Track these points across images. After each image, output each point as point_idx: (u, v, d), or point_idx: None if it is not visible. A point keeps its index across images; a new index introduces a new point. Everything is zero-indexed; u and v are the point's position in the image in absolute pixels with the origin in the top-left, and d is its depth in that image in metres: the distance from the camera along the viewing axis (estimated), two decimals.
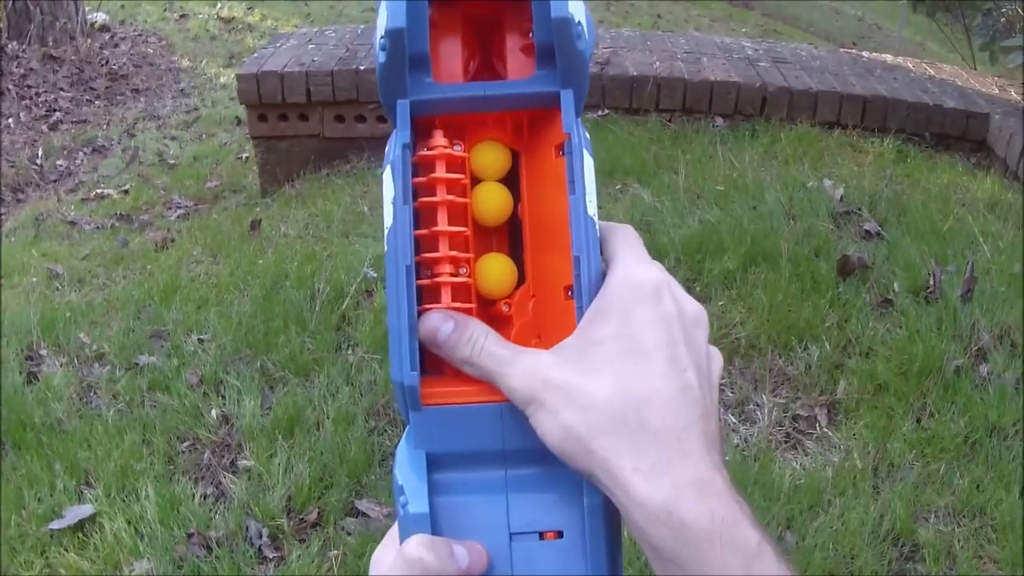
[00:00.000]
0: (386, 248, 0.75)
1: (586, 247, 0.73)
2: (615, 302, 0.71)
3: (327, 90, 6.12)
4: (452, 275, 0.76)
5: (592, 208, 0.75)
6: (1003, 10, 7.61)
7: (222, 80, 9.91)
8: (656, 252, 4.25)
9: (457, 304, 0.76)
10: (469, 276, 0.77)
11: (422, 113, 0.77)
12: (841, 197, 4.94)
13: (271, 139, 6.34)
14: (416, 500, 0.72)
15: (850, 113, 6.16)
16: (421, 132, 0.77)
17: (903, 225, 4.72)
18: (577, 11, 0.75)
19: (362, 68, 6.07)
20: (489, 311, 0.80)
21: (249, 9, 12.41)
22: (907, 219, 4.78)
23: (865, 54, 7.25)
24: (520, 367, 0.71)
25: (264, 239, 5.24)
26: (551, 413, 0.69)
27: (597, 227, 0.75)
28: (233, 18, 12.06)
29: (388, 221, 0.75)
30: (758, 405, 3.70)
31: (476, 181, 0.80)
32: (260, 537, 3.21)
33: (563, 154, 0.76)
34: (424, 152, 0.77)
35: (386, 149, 0.77)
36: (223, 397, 3.81)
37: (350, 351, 4.01)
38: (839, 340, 3.94)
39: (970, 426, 3.55)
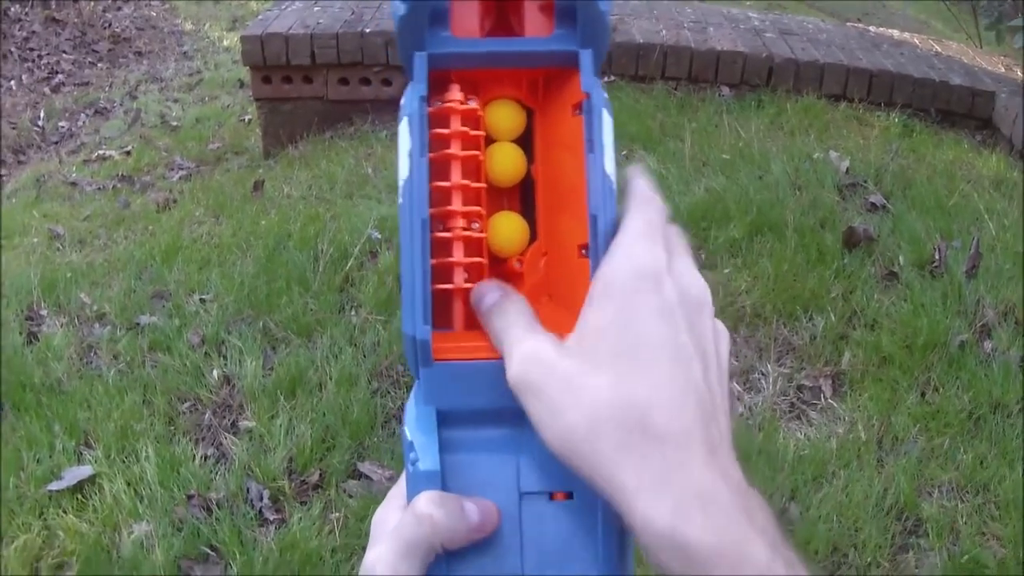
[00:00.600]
0: (400, 200, 0.73)
1: (603, 206, 0.72)
2: (613, 289, 0.68)
3: (332, 52, 6.10)
4: (465, 229, 0.75)
5: (610, 167, 0.74)
6: None
7: (225, 43, 9.89)
8: None
9: (469, 259, 0.75)
10: (482, 231, 0.76)
11: (439, 67, 0.76)
12: (847, 169, 4.93)
13: (274, 101, 6.32)
14: (426, 457, 0.71)
15: (856, 87, 6.15)
16: (436, 86, 0.76)
17: (908, 199, 4.72)
18: None
19: (367, 31, 6.05)
20: (501, 268, 0.79)
21: None
22: (912, 193, 4.78)
23: (872, 29, 7.25)
24: (523, 348, 0.68)
25: (267, 200, 5.23)
26: (551, 411, 0.65)
27: (615, 187, 0.74)
28: None
29: (404, 173, 0.73)
30: (763, 374, 3.69)
31: (490, 140, 0.79)
32: (261, 499, 3.20)
33: (580, 113, 0.75)
34: (439, 105, 0.76)
35: (402, 101, 0.75)
36: (224, 358, 3.80)
37: (353, 312, 4.00)
38: (844, 311, 3.94)
39: (974, 402, 3.54)
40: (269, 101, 6.33)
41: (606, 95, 0.75)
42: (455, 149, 0.75)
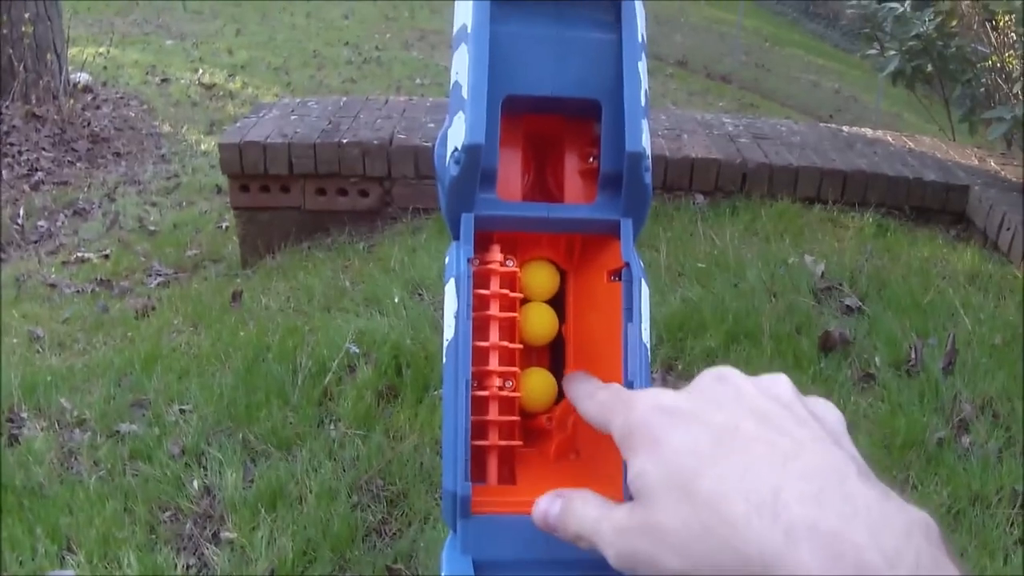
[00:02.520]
0: (444, 360, 0.75)
1: (639, 373, 0.74)
2: (634, 434, 0.65)
3: (309, 162, 6.11)
4: (500, 389, 0.78)
5: (647, 336, 0.76)
6: (983, 81, 7.67)
7: (203, 147, 9.89)
8: None
9: (504, 418, 0.77)
10: (515, 390, 0.79)
11: (483, 228, 0.78)
12: (822, 273, 4.96)
13: (252, 210, 6.31)
14: None
15: (830, 188, 6.19)
16: (477, 243, 0.78)
17: (884, 299, 4.75)
18: (647, 143, 0.76)
19: (344, 141, 6.08)
20: (530, 424, 0.81)
21: (230, 76, 12.42)
22: (888, 293, 4.80)
23: (845, 129, 7.30)
24: (607, 527, 0.65)
25: (245, 311, 5.22)
26: (664, 566, 0.61)
27: (649, 355, 0.76)
28: (214, 84, 12.06)
29: (449, 333, 0.75)
30: None
31: (524, 299, 0.81)
32: None
33: (616, 279, 0.77)
34: (479, 264, 0.79)
35: (447, 260, 0.77)
36: (205, 468, 3.79)
37: (332, 426, 3.99)
38: None
39: (953, 496, 3.57)
40: (247, 210, 6.32)
41: (643, 263, 0.78)
42: (494, 310, 0.78)
